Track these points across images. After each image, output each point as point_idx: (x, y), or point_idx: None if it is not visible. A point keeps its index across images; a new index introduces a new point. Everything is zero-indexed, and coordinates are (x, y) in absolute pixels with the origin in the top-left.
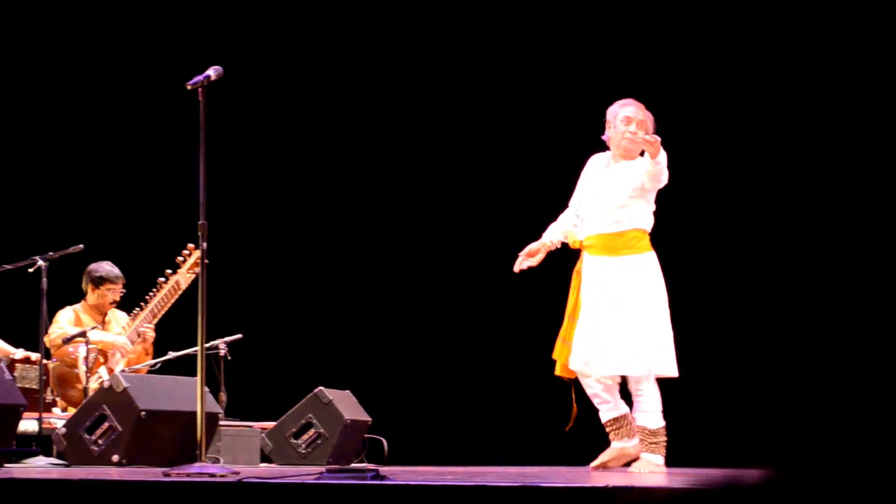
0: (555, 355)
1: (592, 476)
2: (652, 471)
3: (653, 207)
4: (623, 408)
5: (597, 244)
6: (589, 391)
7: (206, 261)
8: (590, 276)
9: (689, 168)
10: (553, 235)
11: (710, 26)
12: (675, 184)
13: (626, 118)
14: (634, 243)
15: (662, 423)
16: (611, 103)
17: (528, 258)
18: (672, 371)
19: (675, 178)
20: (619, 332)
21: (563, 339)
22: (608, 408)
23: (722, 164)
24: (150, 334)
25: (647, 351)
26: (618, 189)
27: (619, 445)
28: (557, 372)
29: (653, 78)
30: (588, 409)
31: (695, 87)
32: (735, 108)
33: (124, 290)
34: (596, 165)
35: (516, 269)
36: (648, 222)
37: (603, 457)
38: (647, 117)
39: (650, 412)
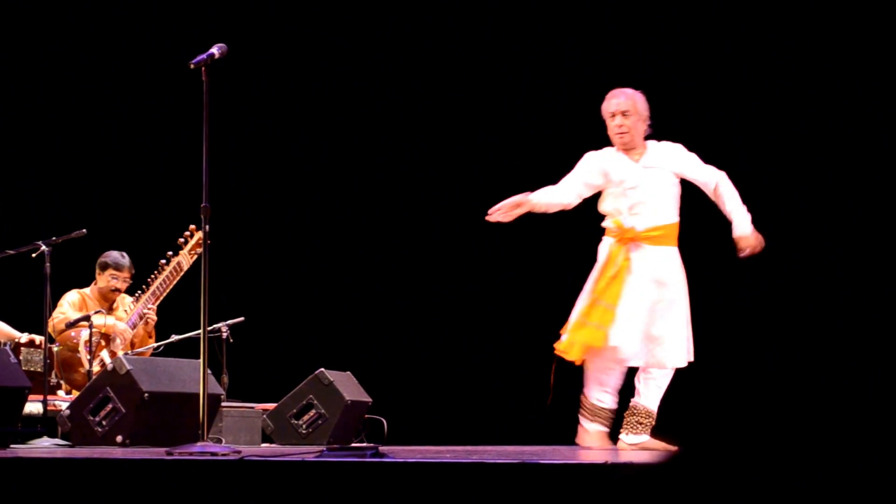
0: (579, 338)
1: (590, 454)
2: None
3: None
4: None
5: (663, 234)
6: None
7: (209, 241)
8: (644, 266)
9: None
10: (544, 199)
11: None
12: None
13: (611, 114)
14: (675, 234)
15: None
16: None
17: (507, 211)
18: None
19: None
20: (677, 325)
21: (597, 324)
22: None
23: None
24: (152, 317)
25: (687, 343)
26: (667, 179)
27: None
28: (573, 356)
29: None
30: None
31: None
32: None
33: (130, 282)
34: (618, 159)
35: (489, 217)
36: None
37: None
38: (631, 102)
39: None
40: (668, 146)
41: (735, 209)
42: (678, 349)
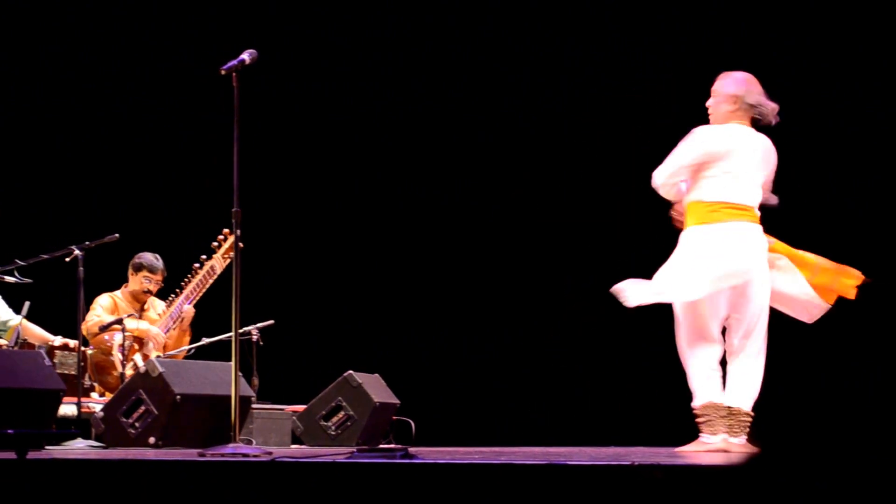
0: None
1: (617, 454)
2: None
3: None
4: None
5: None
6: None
7: (241, 245)
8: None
9: None
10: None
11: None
12: None
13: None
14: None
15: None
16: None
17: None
18: None
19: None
20: None
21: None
22: None
23: None
24: (191, 312)
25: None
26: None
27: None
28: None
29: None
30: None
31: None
32: None
33: (162, 284)
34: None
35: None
36: None
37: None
38: (718, 84)
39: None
40: (769, 144)
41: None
42: None
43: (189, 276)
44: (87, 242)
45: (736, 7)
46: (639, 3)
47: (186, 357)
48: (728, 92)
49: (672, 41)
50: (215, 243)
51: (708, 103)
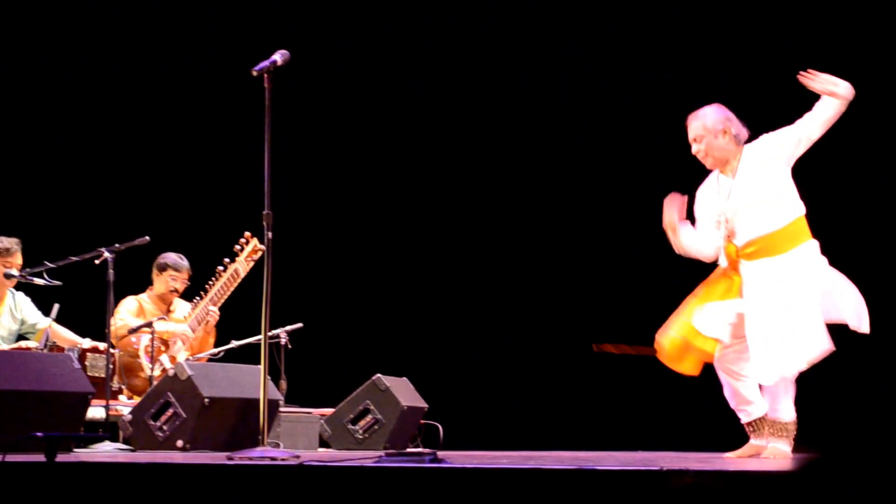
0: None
1: (645, 459)
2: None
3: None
4: (764, 406)
5: (759, 248)
6: (734, 390)
7: (265, 248)
8: (751, 285)
9: None
10: (688, 241)
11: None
12: None
13: (690, 140)
14: (785, 239)
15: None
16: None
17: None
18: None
19: None
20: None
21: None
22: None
23: None
24: (215, 314)
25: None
26: (763, 185)
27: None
28: (687, 368)
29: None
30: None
31: None
32: None
33: (188, 283)
34: (711, 188)
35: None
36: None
37: (741, 452)
38: (699, 124)
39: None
40: (756, 147)
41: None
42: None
43: (213, 279)
44: (116, 245)
45: (735, 8)
46: (643, 4)
47: (215, 360)
48: (718, 127)
49: (671, 42)
50: (237, 246)
51: (696, 150)
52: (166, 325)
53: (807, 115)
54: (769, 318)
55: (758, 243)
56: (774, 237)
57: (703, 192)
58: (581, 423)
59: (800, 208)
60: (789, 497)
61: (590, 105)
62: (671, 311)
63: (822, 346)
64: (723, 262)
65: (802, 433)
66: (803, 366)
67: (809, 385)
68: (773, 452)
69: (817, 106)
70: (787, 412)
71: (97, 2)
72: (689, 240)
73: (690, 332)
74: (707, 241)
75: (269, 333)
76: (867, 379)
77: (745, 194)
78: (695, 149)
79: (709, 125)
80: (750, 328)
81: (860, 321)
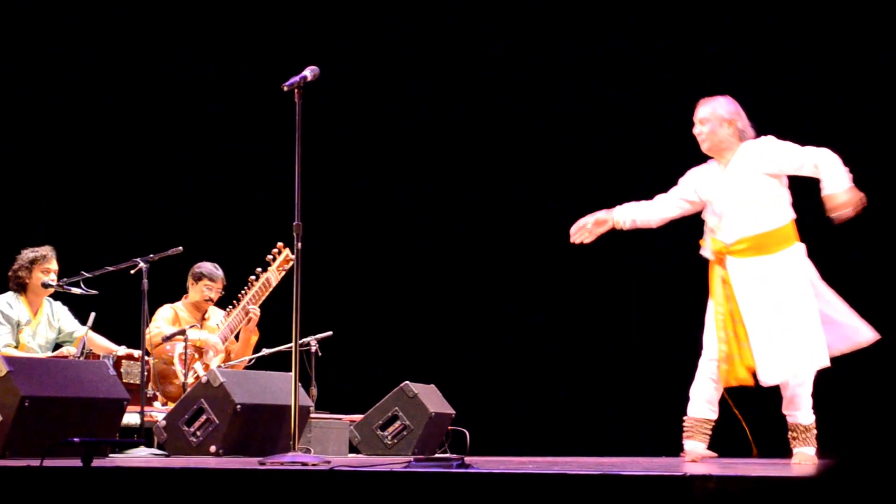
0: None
1: (670, 464)
2: (811, 463)
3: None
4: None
5: (750, 246)
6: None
7: (294, 258)
8: (740, 282)
9: None
10: (629, 215)
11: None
12: None
13: (695, 122)
14: (776, 241)
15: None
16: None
17: (590, 232)
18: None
19: None
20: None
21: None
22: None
23: None
24: (256, 312)
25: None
26: (755, 184)
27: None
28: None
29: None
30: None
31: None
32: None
33: (223, 292)
34: (708, 172)
35: (573, 239)
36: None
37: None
38: (709, 109)
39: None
40: (755, 145)
41: (826, 173)
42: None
43: (246, 288)
44: (151, 255)
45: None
46: (647, 7)
47: (247, 368)
48: (726, 116)
49: (672, 42)
50: (269, 256)
51: (699, 130)
52: (199, 333)
53: (815, 163)
54: (769, 318)
55: (749, 241)
56: (766, 237)
57: (696, 170)
58: (605, 429)
59: (791, 213)
60: (812, 503)
61: (607, 110)
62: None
63: (825, 355)
64: (708, 255)
65: (826, 438)
66: (811, 372)
67: (832, 389)
68: (799, 458)
69: (823, 171)
70: (804, 416)
71: (138, 20)
72: (641, 213)
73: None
74: (661, 209)
75: (300, 341)
76: (890, 383)
77: (739, 191)
78: (697, 129)
79: (718, 112)
80: (751, 328)
81: (859, 340)
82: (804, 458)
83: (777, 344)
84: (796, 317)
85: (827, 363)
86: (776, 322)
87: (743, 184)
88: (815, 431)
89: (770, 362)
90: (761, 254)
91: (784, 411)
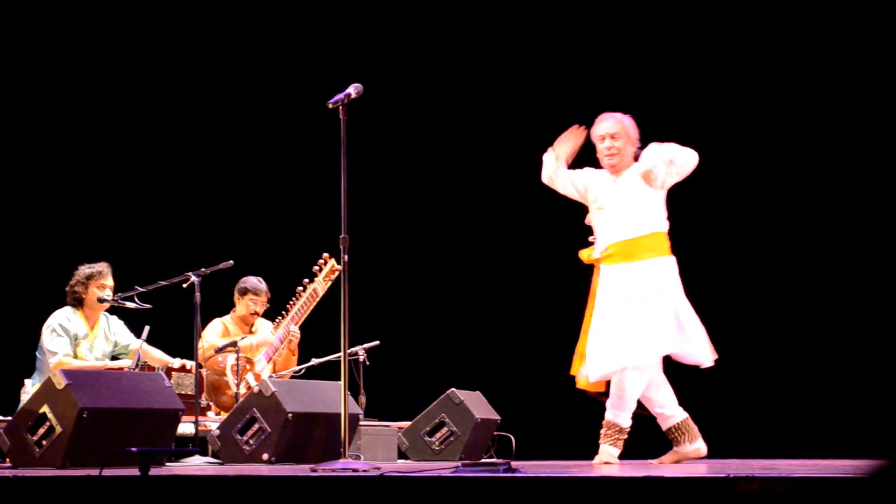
0: (573, 371)
1: (712, 467)
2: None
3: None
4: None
5: (615, 252)
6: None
7: (341, 269)
8: (604, 287)
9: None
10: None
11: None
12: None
13: (600, 136)
14: (645, 248)
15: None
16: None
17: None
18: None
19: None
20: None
21: (579, 354)
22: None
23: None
24: (296, 334)
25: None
26: (636, 193)
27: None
28: (581, 386)
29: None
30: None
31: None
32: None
33: (268, 305)
34: (601, 178)
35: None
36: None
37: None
38: (620, 125)
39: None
40: (642, 159)
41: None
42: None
43: (293, 299)
44: (202, 269)
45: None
46: (650, 11)
47: (297, 377)
48: (634, 136)
49: (672, 43)
50: (316, 267)
51: (609, 144)
52: (249, 339)
53: (650, 156)
54: (611, 318)
55: (616, 247)
56: (632, 244)
57: (592, 172)
58: (648, 433)
59: (663, 224)
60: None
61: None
62: None
63: (635, 356)
64: (589, 261)
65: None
66: (629, 364)
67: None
68: (604, 456)
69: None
70: (625, 419)
71: (192, 44)
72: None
73: None
74: (564, 177)
75: (348, 351)
76: None
77: (617, 197)
78: (608, 144)
79: (629, 131)
80: (594, 326)
81: (704, 358)
82: (608, 457)
83: (605, 342)
84: (625, 319)
85: (637, 363)
86: (621, 322)
87: (632, 191)
88: (626, 436)
89: (592, 360)
90: (626, 261)
91: (609, 407)
